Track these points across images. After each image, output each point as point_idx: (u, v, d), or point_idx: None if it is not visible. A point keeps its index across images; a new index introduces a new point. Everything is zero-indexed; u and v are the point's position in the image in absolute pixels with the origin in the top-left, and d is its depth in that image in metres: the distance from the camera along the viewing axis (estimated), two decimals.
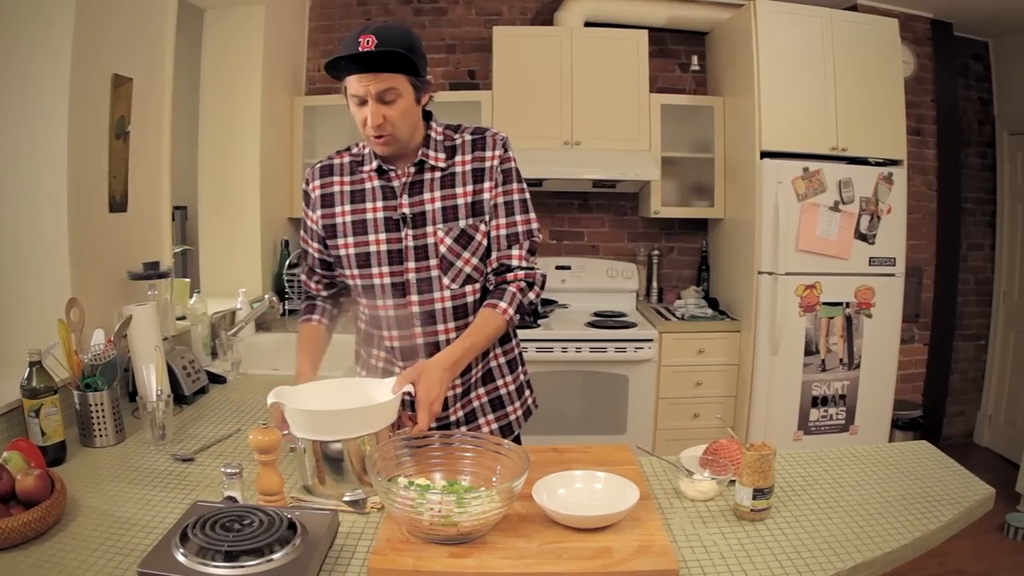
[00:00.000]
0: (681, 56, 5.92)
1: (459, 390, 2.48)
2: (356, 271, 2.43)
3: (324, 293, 2.67)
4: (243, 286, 4.35)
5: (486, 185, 2.37)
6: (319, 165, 2.54)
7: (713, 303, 5.63)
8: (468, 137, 2.41)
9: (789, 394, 5.05)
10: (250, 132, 4.85)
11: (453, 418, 2.50)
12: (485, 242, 2.39)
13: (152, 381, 2.60)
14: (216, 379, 3.33)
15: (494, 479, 1.89)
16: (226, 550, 1.54)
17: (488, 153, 2.38)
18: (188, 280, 4.04)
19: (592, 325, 5.16)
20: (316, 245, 2.54)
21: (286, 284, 4.95)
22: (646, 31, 5.44)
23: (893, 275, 5.10)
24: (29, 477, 1.86)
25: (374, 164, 2.40)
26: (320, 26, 5.84)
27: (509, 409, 2.58)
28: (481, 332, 2.33)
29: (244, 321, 3.88)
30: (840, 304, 5.03)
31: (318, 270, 2.59)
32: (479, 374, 2.52)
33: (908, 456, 2.42)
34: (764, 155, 4.96)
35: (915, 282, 5.86)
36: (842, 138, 5.04)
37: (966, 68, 6.28)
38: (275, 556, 1.56)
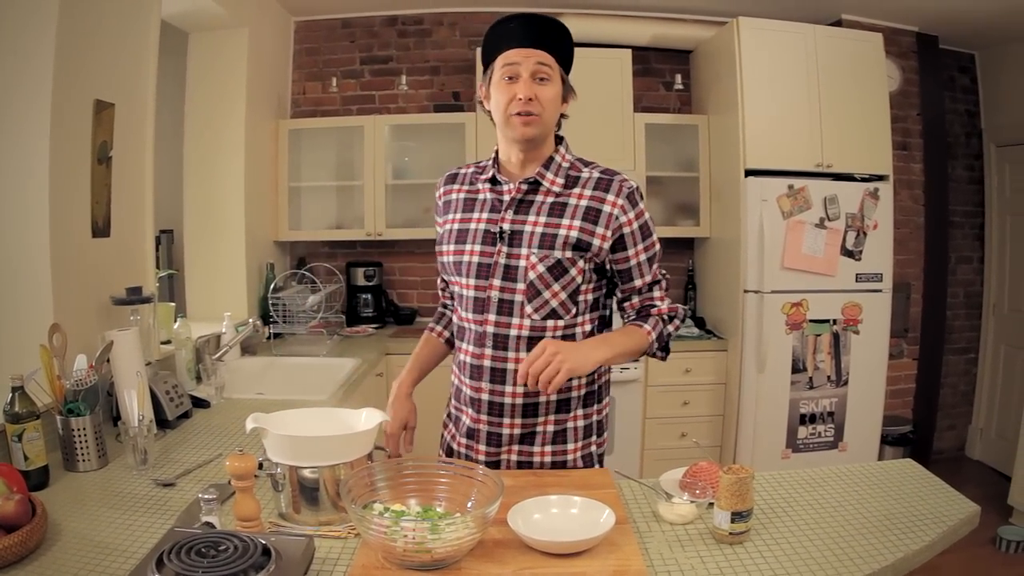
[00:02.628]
0: (665, 75, 5.97)
1: (520, 400, 2.36)
2: (453, 278, 2.42)
3: (449, 302, 2.66)
4: (228, 310, 4.35)
5: (598, 230, 2.27)
6: (448, 173, 2.55)
7: (699, 322, 5.66)
8: (596, 174, 2.34)
9: (777, 412, 5.07)
10: (235, 155, 4.88)
11: (507, 431, 2.39)
12: (579, 280, 2.29)
13: (134, 406, 2.59)
14: (200, 403, 3.32)
15: (469, 504, 1.88)
16: None
17: (610, 197, 2.29)
18: (173, 304, 4.04)
19: None
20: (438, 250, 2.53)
21: (271, 308, 4.95)
22: (630, 50, 5.50)
23: (880, 291, 5.13)
24: (10, 502, 1.87)
25: (490, 174, 2.37)
26: (304, 48, 5.88)
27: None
28: (623, 340, 2.30)
29: (228, 345, 3.88)
30: (827, 321, 5.05)
31: (444, 276, 2.56)
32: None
33: (892, 475, 2.41)
34: (749, 173, 5.00)
35: (903, 297, 5.88)
36: (827, 154, 5.08)
37: (952, 81, 6.33)
38: None
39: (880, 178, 5.17)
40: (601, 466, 2.51)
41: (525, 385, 2.16)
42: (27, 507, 1.90)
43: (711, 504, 1.99)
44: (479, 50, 5.32)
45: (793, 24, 5.10)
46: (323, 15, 5.84)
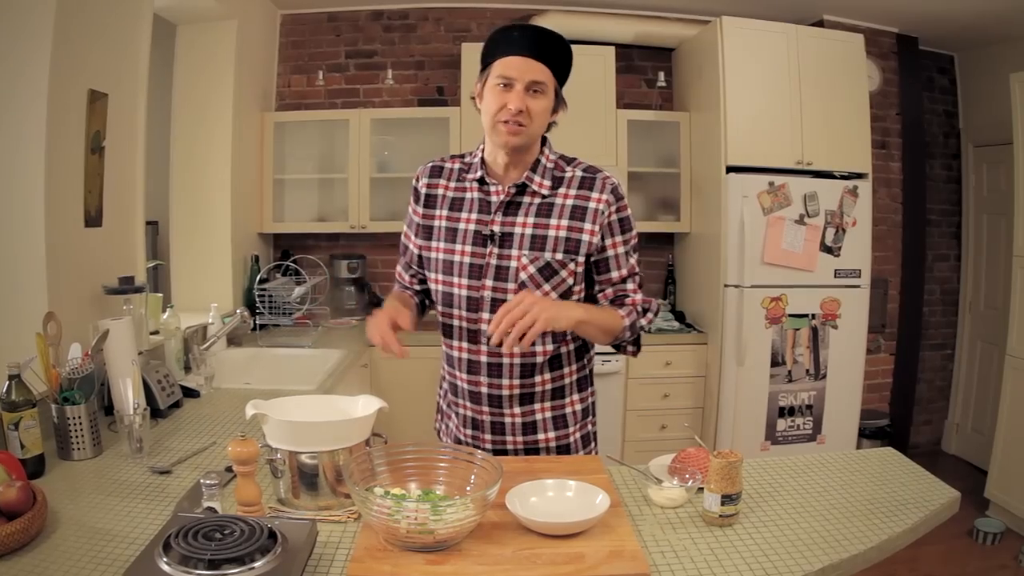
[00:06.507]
0: (648, 72, 6.01)
1: (517, 391, 2.43)
2: (440, 276, 2.43)
3: (416, 287, 2.63)
4: (214, 301, 4.36)
5: (586, 227, 2.33)
6: (431, 164, 2.56)
7: (680, 316, 5.71)
8: (579, 173, 2.39)
9: (756, 405, 5.12)
10: (221, 147, 4.89)
11: (509, 420, 2.46)
12: (571, 281, 2.36)
13: (129, 394, 2.61)
14: (190, 393, 3.34)
15: (468, 488, 1.92)
16: (209, 559, 1.56)
17: (594, 195, 2.34)
18: (161, 295, 4.05)
19: None
20: (416, 240, 2.54)
21: (257, 299, 4.96)
22: (613, 48, 5.53)
23: (858, 286, 5.19)
24: (12, 489, 1.87)
25: (478, 174, 2.40)
26: (290, 42, 5.88)
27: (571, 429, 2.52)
28: (600, 313, 2.34)
29: (216, 336, 3.89)
30: (806, 316, 5.11)
31: (414, 265, 2.58)
32: (548, 386, 2.46)
33: (874, 462, 2.46)
34: (730, 170, 5.04)
35: (881, 293, 5.94)
36: (807, 152, 5.12)
37: (931, 82, 6.40)
38: (256, 564, 1.58)
39: (859, 176, 5.22)
40: (596, 443, 2.60)
41: (513, 365, 2.37)
42: (29, 494, 1.90)
43: (700, 489, 2.04)
44: (464, 45, 5.42)
45: (775, 24, 5.14)
46: (309, 9, 5.84)
